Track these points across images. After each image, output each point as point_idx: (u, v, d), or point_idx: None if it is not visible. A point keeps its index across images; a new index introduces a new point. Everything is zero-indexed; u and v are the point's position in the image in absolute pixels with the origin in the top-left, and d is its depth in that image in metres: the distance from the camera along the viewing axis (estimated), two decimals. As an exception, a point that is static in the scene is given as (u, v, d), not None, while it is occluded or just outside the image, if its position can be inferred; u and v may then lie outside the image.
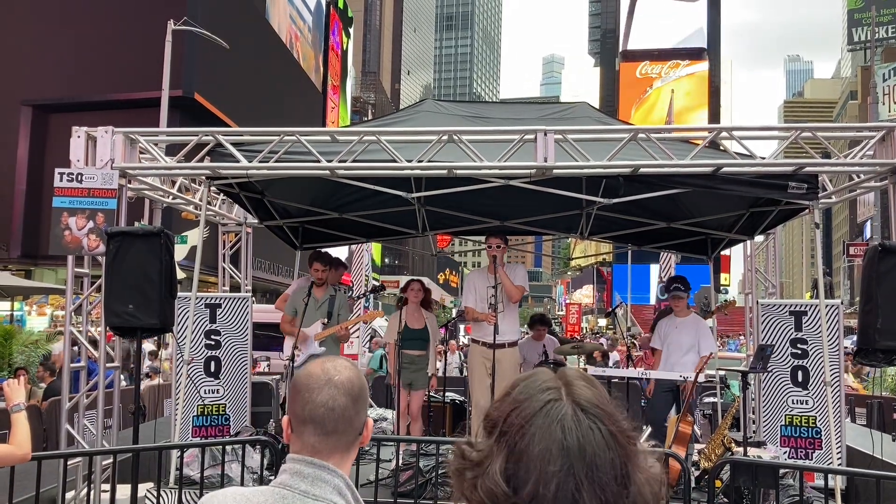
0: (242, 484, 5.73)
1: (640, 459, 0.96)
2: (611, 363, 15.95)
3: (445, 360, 10.69)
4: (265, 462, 6.11)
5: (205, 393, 7.32)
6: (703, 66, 56.81)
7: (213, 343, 7.44)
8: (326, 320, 7.45)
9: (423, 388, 7.65)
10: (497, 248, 7.22)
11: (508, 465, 0.93)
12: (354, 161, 6.15)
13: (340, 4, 47.84)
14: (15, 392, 3.61)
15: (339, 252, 11.88)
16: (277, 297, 8.25)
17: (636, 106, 54.83)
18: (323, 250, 8.25)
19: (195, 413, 7.28)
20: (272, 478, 5.22)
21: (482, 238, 8.38)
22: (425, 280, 9.02)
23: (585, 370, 8.39)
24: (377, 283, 8.48)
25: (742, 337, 16.17)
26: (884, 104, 52.15)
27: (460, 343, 18.50)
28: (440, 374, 8.75)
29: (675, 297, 8.01)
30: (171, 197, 7.56)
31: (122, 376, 7.46)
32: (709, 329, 7.94)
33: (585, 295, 67.78)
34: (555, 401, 0.97)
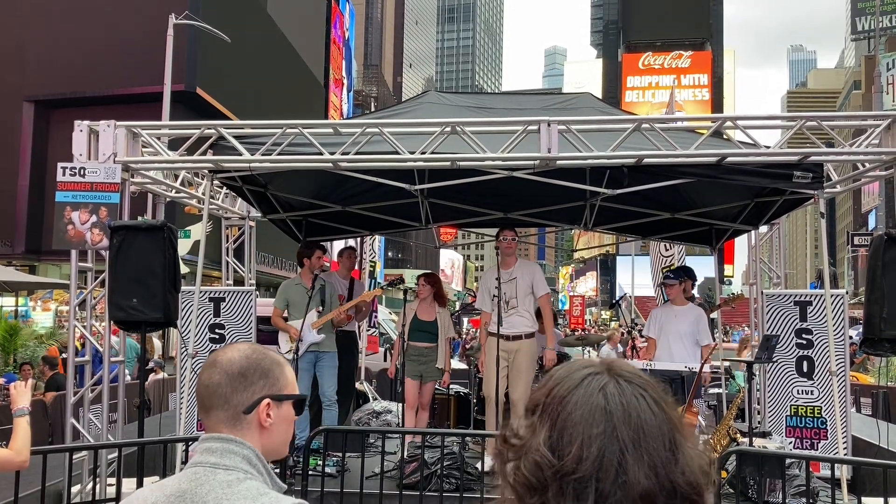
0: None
1: (688, 433, 0.97)
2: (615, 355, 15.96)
3: (451, 352, 10.68)
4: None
5: (209, 386, 7.31)
6: (705, 57, 56.65)
7: (217, 337, 7.45)
8: (321, 308, 7.46)
9: (434, 380, 7.60)
10: (512, 241, 7.20)
11: (552, 434, 0.94)
12: (357, 153, 6.13)
13: (342, -3, 47.70)
14: (21, 395, 3.57)
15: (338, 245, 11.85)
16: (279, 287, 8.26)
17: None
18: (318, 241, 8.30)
19: (200, 406, 7.28)
20: (277, 470, 5.19)
21: (486, 231, 8.36)
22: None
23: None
24: (395, 278, 8.48)
25: (746, 328, 16.15)
26: (888, 93, 51.92)
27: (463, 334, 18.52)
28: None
29: (665, 285, 7.95)
30: (174, 191, 7.55)
31: (126, 370, 7.46)
32: (706, 320, 7.87)
33: (584, 279, 67.71)
34: (596, 374, 0.98)
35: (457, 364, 11.34)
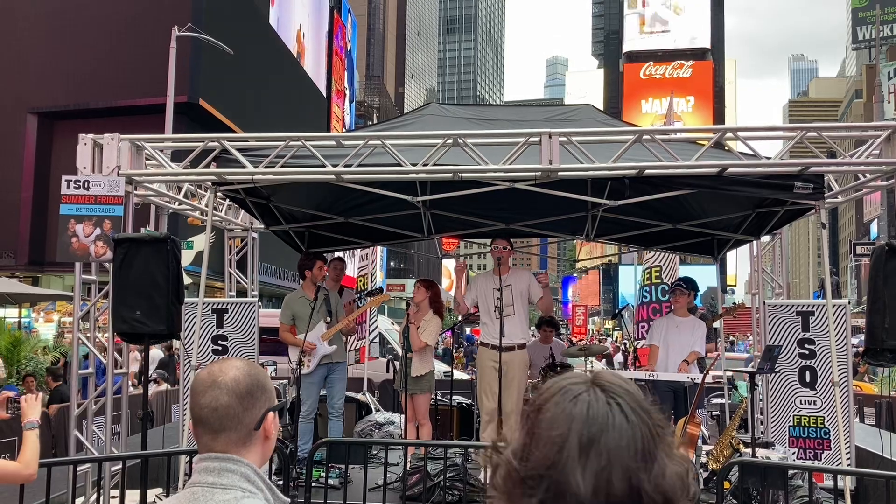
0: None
1: (669, 444, 0.97)
2: (615, 365, 15.96)
3: (453, 363, 10.67)
4: (273, 467, 6.12)
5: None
6: (706, 67, 56.70)
7: (220, 348, 7.46)
8: (329, 319, 7.45)
9: (424, 392, 7.38)
10: (503, 249, 7.27)
11: (525, 441, 0.97)
12: (360, 165, 6.16)
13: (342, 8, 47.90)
14: (31, 408, 3.58)
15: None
16: (283, 301, 8.27)
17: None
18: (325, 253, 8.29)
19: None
20: (280, 482, 5.18)
21: (488, 241, 8.40)
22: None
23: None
24: (374, 287, 8.46)
25: (750, 338, 16.16)
26: (889, 103, 51.98)
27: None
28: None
29: (676, 295, 7.95)
30: (177, 203, 7.58)
31: (129, 382, 7.47)
32: (703, 332, 7.91)
33: (585, 286, 67.47)
34: (577, 384, 1.00)
35: (459, 374, 11.34)
